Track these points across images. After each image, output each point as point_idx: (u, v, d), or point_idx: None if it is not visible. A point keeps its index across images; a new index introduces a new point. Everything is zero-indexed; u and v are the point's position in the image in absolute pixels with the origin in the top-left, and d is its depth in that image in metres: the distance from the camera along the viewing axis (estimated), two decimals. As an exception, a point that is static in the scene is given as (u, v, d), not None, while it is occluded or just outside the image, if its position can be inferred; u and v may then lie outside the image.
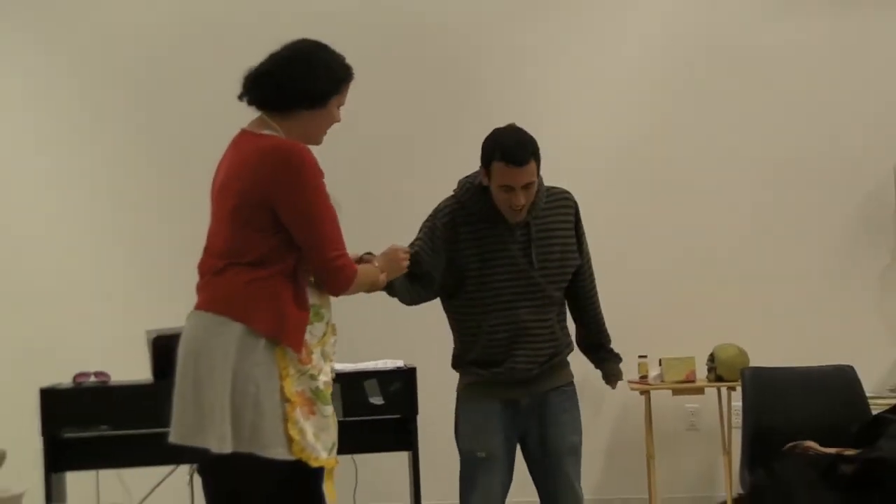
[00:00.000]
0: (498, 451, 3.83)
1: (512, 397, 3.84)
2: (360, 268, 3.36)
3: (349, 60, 3.34)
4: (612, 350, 4.12)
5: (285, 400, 3.11)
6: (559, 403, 3.89)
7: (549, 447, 3.87)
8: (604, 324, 4.09)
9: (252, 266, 3.13)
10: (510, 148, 3.68)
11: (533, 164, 3.70)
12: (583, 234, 3.97)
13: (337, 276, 3.20)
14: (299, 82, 3.22)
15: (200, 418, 3.11)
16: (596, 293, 4.06)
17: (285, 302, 3.13)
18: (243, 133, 3.28)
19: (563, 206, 3.90)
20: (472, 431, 3.86)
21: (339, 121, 3.34)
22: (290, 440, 3.10)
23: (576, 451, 3.92)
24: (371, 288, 3.48)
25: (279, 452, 3.10)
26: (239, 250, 3.16)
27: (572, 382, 3.96)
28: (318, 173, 3.17)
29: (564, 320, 3.96)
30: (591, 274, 4.02)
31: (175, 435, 3.18)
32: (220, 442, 3.07)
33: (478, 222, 3.80)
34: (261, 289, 3.12)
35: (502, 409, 3.84)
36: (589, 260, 4.01)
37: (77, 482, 5.01)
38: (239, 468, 3.12)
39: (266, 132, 3.22)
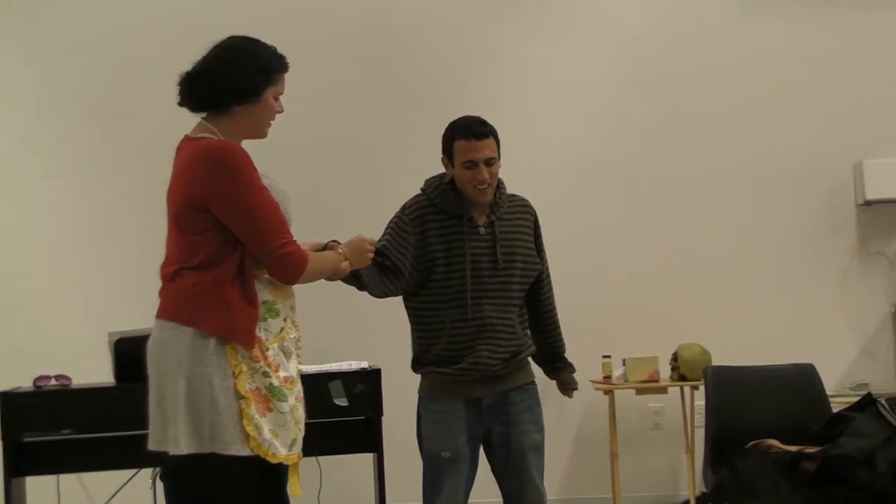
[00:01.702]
0: (462, 450, 3.84)
1: (474, 396, 3.85)
2: (320, 254, 3.39)
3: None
4: (566, 360, 4.15)
5: (239, 397, 3.13)
6: (522, 402, 3.91)
7: (512, 446, 3.89)
8: (561, 332, 4.14)
9: (199, 269, 3.17)
10: (469, 125, 3.82)
11: (493, 141, 3.81)
12: (541, 242, 4.05)
13: (284, 264, 3.20)
14: (227, 78, 3.24)
15: (163, 424, 3.19)
16: (554, 301, 4.12)
17: (232, 300, 3.15)
18: (184, 139, 3.31)
19: (523, 213, 4.00)
20: (436, 432, 3.87)
21: (280, 111, 3.35)
22: (247, 436, 3.13)
23: (539, 450, 3.93)
24: (333, 275, 3.48)
25: (239, 449, 3.12)
26: (186, 254, 3.20)
27: (534, 382, 4.00)
28: (248, 167, 3.18)
29: (526, 322, 4.00)
30: (550, 282, 4.10)
31: (149, 441, 3.25)
32: (174, 445, 3.13)
33: (445, 219, 3.85)
34: (207, 290, 3.15)
35: (465, 409, 3.85)
36: (548, 269, 4.08)
37: (37, 487, 4.96)
38: (202, 469, 3.15)
39: (201, 135, 3.25)
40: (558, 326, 4.12)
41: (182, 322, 3.15)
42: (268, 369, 3.18)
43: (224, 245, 3.17)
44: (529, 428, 3.91)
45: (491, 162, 3.79)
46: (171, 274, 3.22)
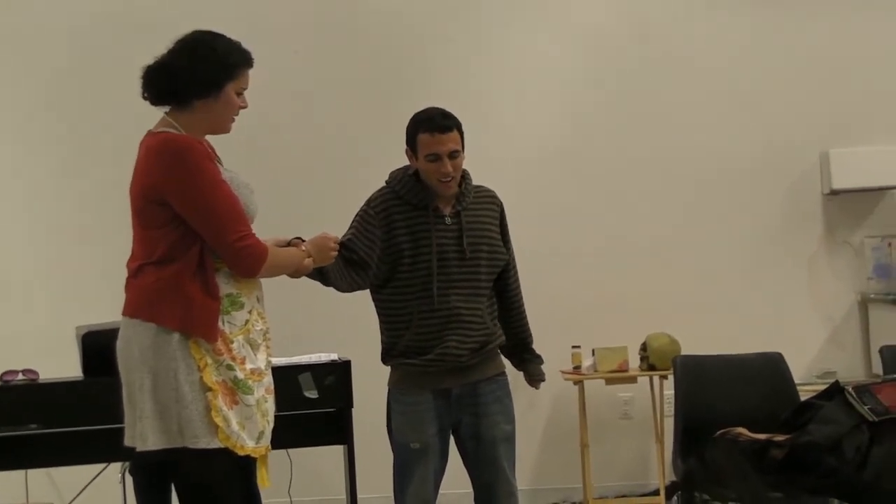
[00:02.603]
0: (431, 441, 3.84)
1: (443, 387, 3.85)
2: (282, 250, 3.39)
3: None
4: (534, 351, 4.16)
5: (206, 389, 3.13)
6: (491, 393, 3.92)
7: (482, 437, 3.89)
8: (528, 323, 4.15)
9: (159, 264, 3.18)
10: (433, 118, 3.82)
11: (457, 134, 3.81)
12: (508, 233, 4.05)
13: (242, 257, 3.19)
14: (186, 72, 3.23)
15: (132, 421, 3.21)
16: (520, 292, 4.12)
17: (192, 294, 3.15)
18: (147, 134, 3.31)
19: (489, 203, 4.00)
20: (406, 423, 3.87)
21: (244, 106, 3.34)
22: (216, 428, 3.13)
23: (509, 441, 3.94)
24: (295, 272, 3.47)
25: (208, 442, 3.13)
26: (147, 249, 3.21)
27: (504, 373, 4.00)
28: (207, 160, 3.19)
29: (495, 313, 4.00)
30: (517, 273, 4.10)
31: (125, 438, 3.27)
32: (141, 441, 3.15)
33: (410, 210, 3.85)
34: (167, 285, 3.15)
35: (434, 400, 3.85)
36: (514, 259, 4.08)
37: (5, 482, 4.93)
38: (171, 463, 3.17)
39: (161, 130, 3.25)
40: (525, 317, 4.13)
41: (144, 319, 3.16)
42: (232, 362, 3.18)
43: (183, 238, 3.17)
44: (499, 419, 3.92)
45: (454, 155, 3.80)
46: (135, 270, 3.23)
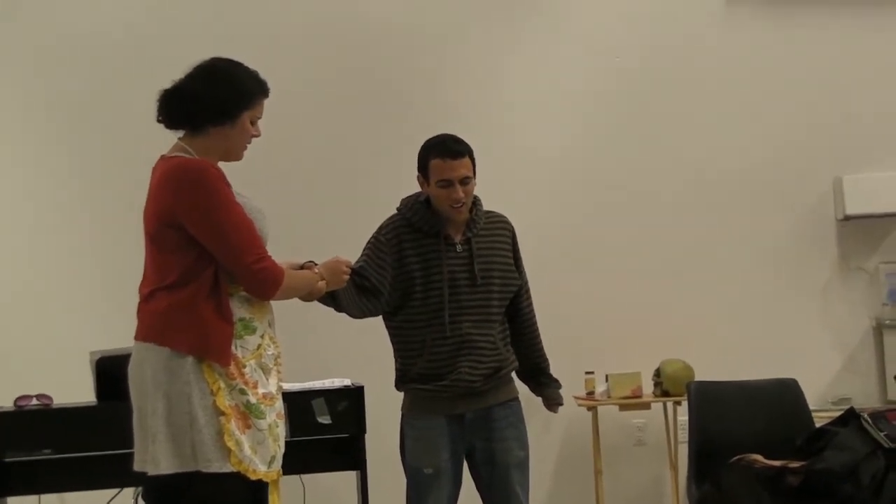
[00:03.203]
0: (444, 466, 3.84)
1: (456, 412, 3.85)
2: (297, 273, 3.42)
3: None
4: (551, 375, 4.16)
5: (220, 413, 3.14)
6: (504, 418, 3.91)
7: (495, 463, 3.89)
8: (542, 347, 4.15)
9: (172, 288, 3.19)
10: (445, 143, 3.84)
11: (468, 161, 3.84)
12: (520, 258, 4.06)
13: (260, 279, 3.21)
14: (204, 99, 3.26)
15: (143, 445, 3.21)
16: (534, 316, 4.12)
17: (206, 318, 3.16)
18: (160, 159, 3.33)
19: (501, 229, 4.01)
20: (419, 448, 3.88)
21: (257, 135, 3.37)
22: (228, 452, 3.14)
23: (522, 467, 3.93)
24: (309, 295, 3.50)
25: (220, 466, 3.13)
26: (161, 274, 3.22)
27: (517, 398, 4.00)
28: (221, 184, 3.21)
29: (507, 338, 4.00)
30: (530, 297, 4.11)
31: (135, 462, 3.26)
32: (153, 465, 3.14)
33: (422, 238, 3.86)
34: (181, 309, 3.16)
35: (447, 424, 3.86)
36: (527, 283, 4.08)
37: (19, 507, 4.93)
38: (184, 487, 3.16)
39: (175, 154, 3.27)
40: (539, 341, 4.13)
41: (158, 343, 3.17)
42: (244, 386, 3.19)
43: (198, 262, 3.18)
44: (513, 445, 3.91)
45: (466, 181, 3.82)
46: (147, 295, 3.25)
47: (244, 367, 3.21)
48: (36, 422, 4.64)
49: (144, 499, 3.68)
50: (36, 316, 6.07)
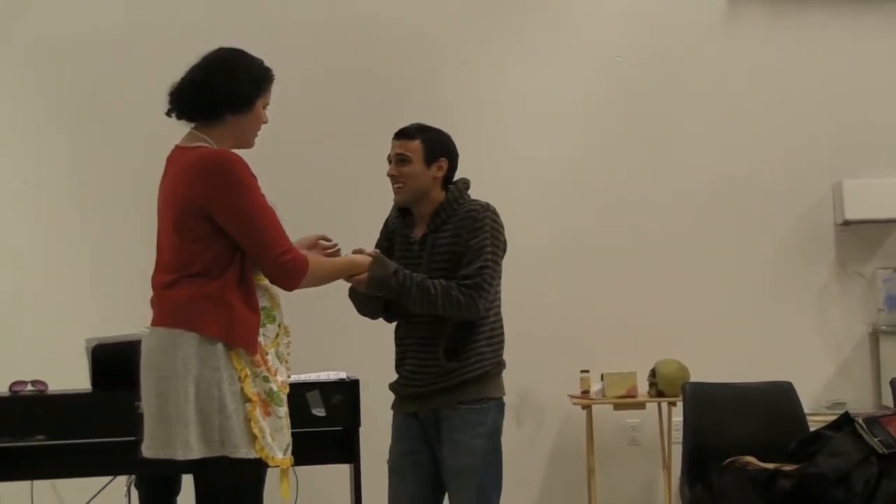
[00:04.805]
0: (398, 461, 3.87)
1: (410, 410, 3.86)
2: (319, 259, 3.46)
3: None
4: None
5: (247, 400, 3.18)
6: (450, 421, 3.77)
7: (443, 466, 3.81)
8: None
9: (199, 276, 3.20)
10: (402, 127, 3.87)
11: (410, 142, 3.81)
12: (473, 247, 3.71)
13: (286, 270, 3.27)
14: (222, 88, 3.30)
15: (166, 431, 3.18)
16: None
17: (235, 306, 3.19)
18: (176, 149, 3.36)
19: (465, 220, 3.76)
20: (391, 441, 3.93)
21: (266, 122, 3.41)
22: (253, 438, 3.19)
23: (465, 475, 3.75)
24: (349, 277, 3.61)
25: (246, 452, 3.18)
26: (186, 263, 3.23)
27: (479, 401, 3.77)
28: (249, 176, 3.25)
29: (474, 340, 3.76)
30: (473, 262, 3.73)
31: (146, 449, 3.25)
32: (186, 449, 3.15)
33: (397, 236, 3.91)
34: (210, 297, 3.19)
35: (404, 421, 3.88)
36: (477, 275, 3.69)
37: (11, 493, 4.92)
38: (209, 472, 3.20)
39: (196, 144, 3.29)
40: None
41: (186, 328, 3.18)
42: (268, 374, 3.25)
43: (225, 252, 3.22)
44: (453, 449, 3.76)
45: (400, 159, 3.80)
46: (169, 283, 3.24)
47: (266, 354, 3.26)
48: (30, 407, 4.62)
49: (138, 487, 3.68)
50: (32, 303, 6.08)
